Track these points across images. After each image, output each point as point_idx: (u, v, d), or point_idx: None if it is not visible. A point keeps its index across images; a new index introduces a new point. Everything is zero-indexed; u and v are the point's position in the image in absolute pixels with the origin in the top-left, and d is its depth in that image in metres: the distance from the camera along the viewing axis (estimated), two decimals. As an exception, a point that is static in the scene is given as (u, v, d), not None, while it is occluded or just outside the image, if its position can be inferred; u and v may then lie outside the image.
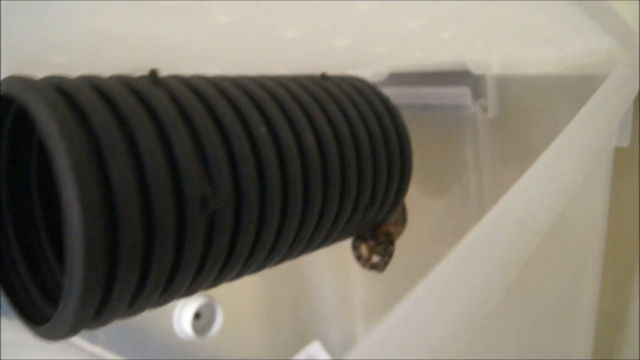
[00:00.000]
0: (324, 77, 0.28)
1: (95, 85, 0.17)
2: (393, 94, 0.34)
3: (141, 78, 0.19)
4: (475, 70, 0.31)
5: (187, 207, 0.17)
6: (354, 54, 0.30)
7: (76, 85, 0.17)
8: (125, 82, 0.18)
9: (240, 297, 0.54)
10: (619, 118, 0.25)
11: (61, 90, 0.16)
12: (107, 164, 0.16)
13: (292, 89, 0.24)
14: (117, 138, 0.16)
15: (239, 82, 0.22)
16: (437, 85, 0.36)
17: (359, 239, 0.32)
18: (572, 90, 0.30)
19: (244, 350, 0.55)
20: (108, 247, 0.16)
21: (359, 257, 0.32)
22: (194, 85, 0.20)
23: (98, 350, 0.52)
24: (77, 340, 0.52)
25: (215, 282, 0.21)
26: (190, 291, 0.21)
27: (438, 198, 0.41)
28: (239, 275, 0.23)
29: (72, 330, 0.17)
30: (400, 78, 0.38)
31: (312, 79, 0.27)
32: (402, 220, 0.34)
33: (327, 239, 0.26)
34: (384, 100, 0.29)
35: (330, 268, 0.55)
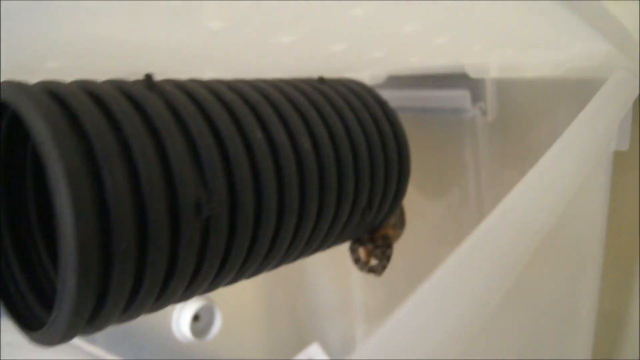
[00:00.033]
0: (321, 80, 0.28)
1: (89, 90, 0.17)
2: (392, 96, 0.34)
3: (136, 82, 0.19)
4: (473, 74, 0.31)
5: (182, 213, 0.17)
6: (350, 58, 0.30)
7: (70, 90, 0.17)
8: (120, 87, 0.18)
9: (239, 299, 0.54)
10: (618, 121, 0.25)
11: (54, 95, 0.16)
12: (100, 170, 0.16)
13: (288, 92, 0.24)
14: (110, 143, 0.16)
15: (234, 86, 0.22)
16: (436, 88, 0.36)
17: (357, 242, 0.32)
18: (571, 94, 0.30)
19: (243, 352, 0.55)
20: (101, 252, 0.16)
21: (356, 261, 0.32)
22: (189, 89, 0.20)
23: (97, 351, 0.52)
24: (77, 341, 0.52)
25: (211, 287, 0.21)
26: (185, 296, 0.21)
27: (437, 201, 0.41)
28: (235, 280, 0.23)
29: (66, 336, 0.17)
30: (399, 81, 0.38)
31: (308, 82, 0.27)
32: (401, 224, 0.34)
33: (324, 243, 0.26)
34: (382, 104, 0.29)
35: (329, 270, 0.55)
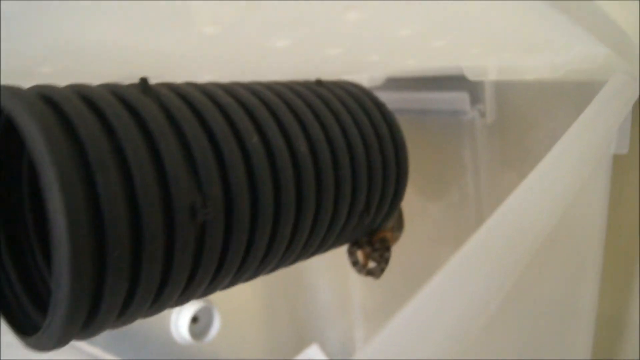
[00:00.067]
0: (318, 82, 0.28)
1: (83, 94, 0.17)
2: (390, 98, 0.34)
3: (131, 86, 0.19)
4: (472, 76, 0.31)
5: (177, 217, 0.17)
6: (347, 62, 0.30)
7: (64, 95, 0.17)
8: (114, 91, 0.18)
9: (238, 301, 0.54)
10: (618, 124, 0.25)
11: (48, 100, 0.16)
12: (94, 175, 0.16)
13: (285, 95, 0.24)
14: (104, 148, 0.16)
15: (229, 89, 0.22)
16: (435, 90, 0.36)
17: (355, 245, 0.32)
18: (570, 96, 0.30)
19: (242, 354, 0.55)
20: (95, 258, 0.16)
21: (355, 263, 0.32)
22: (184, 93, 0.20)
23: (97, 352, 0.52)
24: (77, 342, 0.52)
25: (207, 291, 0.21)
26: (181, 301, 0.20)
27: (436, 203, 0.41)
28: (231, 284, 0.22)
29: (60, 341, 0.17)
30: (397, 83, 0.38)
31: (305, 84, 0.27)
32: (399, 226, 0.34)
33: (322, 247, 0.26)
34: (380, 106, 0.29)
35: (328, 271, 0.55)
